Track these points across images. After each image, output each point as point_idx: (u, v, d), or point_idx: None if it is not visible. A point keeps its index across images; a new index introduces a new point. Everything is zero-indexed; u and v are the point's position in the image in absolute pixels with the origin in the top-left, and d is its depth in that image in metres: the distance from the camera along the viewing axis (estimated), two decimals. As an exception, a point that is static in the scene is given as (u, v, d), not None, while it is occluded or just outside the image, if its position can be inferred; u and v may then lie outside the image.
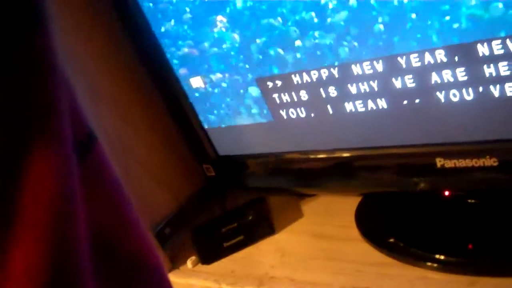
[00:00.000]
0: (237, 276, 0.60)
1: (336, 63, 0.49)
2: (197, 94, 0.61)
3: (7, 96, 0.22)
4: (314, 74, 0.51)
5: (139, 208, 0.29)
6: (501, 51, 0.40)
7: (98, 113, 0.62)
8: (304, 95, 0.53)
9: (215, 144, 0.66)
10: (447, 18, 0.41)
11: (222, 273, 0.62)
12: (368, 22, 0.45)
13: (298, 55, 0.50)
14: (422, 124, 0.48)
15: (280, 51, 0.51)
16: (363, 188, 0.59)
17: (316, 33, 0.48)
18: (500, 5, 0.39)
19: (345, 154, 0.56)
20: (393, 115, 0.49)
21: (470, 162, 0.46)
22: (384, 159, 0.53)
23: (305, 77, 0.52)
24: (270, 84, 0.55)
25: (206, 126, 0.64)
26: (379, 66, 0.47)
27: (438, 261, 0.50)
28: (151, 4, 0.57)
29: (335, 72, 0.49)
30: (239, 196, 0.70)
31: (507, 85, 0.42)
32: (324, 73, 0.50)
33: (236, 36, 0.53)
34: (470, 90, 0.44)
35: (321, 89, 0.51)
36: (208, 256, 0.64)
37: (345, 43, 0.47)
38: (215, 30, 0.54)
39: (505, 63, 0.41)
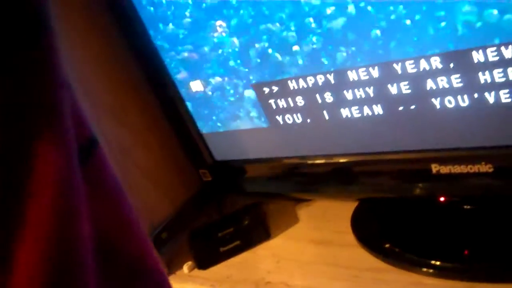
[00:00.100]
0: (233, 281, 0.60)
1: (332, 69, 0.49)
2: (196, 98, 0.61)
3: (10, 95, 0.22)
4: (310, 80, 0.51)
5: (136, 213, 0.29)
6: (496, 58, 0.41)
7: (95, 116, 0.62)
8: (300, 100, 0.53)
9: (211, 149, 0.66)
10: (443, 24, 0.41)
11: (218, 278, 0.62)
12: (365, 28, 0.45)
13: (296, 61, 0.51)
14: (417, 130, 0.48)
15: (278, 56, 0.51)
16: (360, 194, 0.59)
17: (314, 38, 0.48)
18: (495, 11, 0.39)
19: (342, 160, 0.56)
20: (388, 121, 0.49)
21: (466, 168, 0.47)
22: (380, 165, 0.53)
23: (301, 83, 0.52)
24: (266, 89, 0.55)
25: (203, 131, 0.64)
26: (375, 72, 0.47)
27: (434, 266, 0.50)
28: (151, 8, 0.57)
29: (331, 78, 0.50)
30: (236, 201, 0.71)
31: (502, 91, 0.42)
32: (320, 79, 0.50)
33: (235, 41, 0.53)
34: (465, 96, 0.44)
35: (317, 95, 0.52)
36: (205, 261, 0.64)
37: (342, 48, 0.47)
38: (215, 34, 0.54)
39: (500, 70, 0.41)
